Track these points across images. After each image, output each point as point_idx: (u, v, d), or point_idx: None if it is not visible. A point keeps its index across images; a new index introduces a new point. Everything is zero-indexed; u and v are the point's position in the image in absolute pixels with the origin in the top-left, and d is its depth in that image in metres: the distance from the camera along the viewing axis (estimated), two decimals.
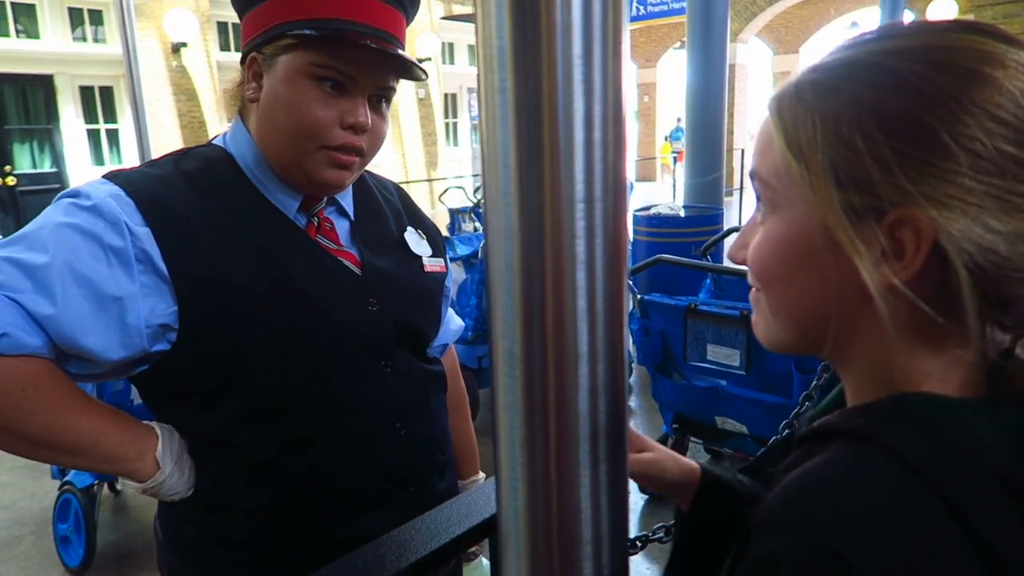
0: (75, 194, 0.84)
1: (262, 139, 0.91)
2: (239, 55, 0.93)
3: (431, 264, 1.05)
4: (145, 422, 0.89)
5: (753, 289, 0.52)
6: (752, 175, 0.50)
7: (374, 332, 0.94)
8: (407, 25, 0.94)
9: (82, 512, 2.45)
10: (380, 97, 0.91)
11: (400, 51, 0.89)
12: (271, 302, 0.86)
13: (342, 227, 0.98)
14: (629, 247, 0.37)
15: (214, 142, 0.96)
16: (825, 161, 0.43)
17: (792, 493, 0.42)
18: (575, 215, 0.33)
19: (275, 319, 0.86)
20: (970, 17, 8.85)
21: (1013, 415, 0.43)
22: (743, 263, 0.51)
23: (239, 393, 0.86)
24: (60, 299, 0.78)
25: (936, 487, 0.39)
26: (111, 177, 0.87)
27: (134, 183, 0.86)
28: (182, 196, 0.87)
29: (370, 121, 0.89)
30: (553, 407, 0.35)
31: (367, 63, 0.87)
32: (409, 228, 1.05)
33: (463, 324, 1.21)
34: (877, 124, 0.42)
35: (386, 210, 1.04)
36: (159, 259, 0.82)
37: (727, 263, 4.29)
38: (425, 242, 1.06)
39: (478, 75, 0.33)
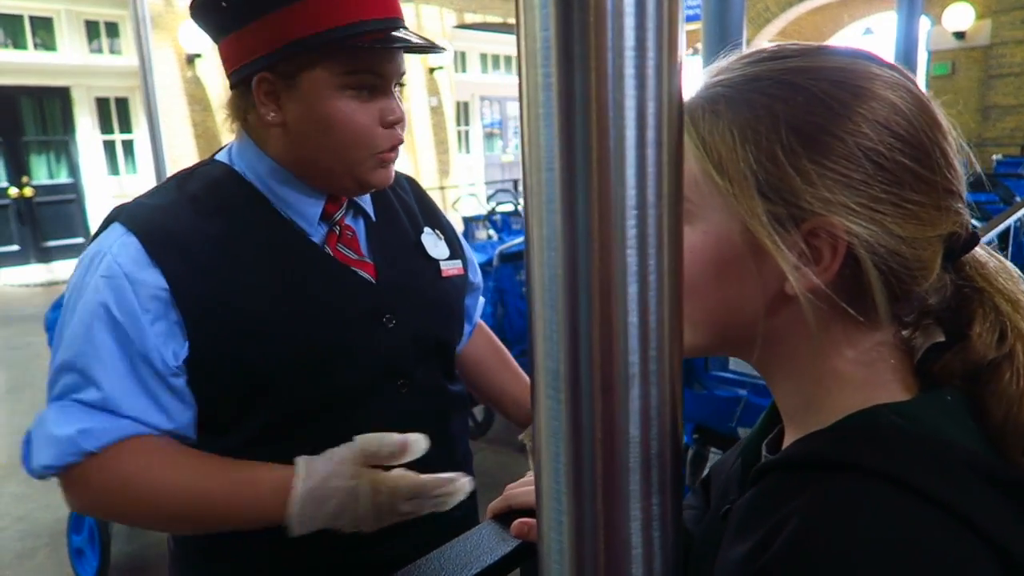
0: (94, 257, 0.83)
1: (295, 159, 0.87)
2: None
3: (448, 268, 1.02)
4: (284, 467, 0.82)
5: None
6: None
7: (390, 351, 0.91)
8: None
9: (96, 524, 2.43)
10: (399, 83, 0.90)
11: (418, 37, 0.87)
12: (286, 323, 0.84)
13: (360, 231, 0.95)
14: None
15: (217, 158, 0.93)
16: (747, 172, 0.46)
17: (801, 540, 0.40)
18: (626, 222, 0.30)
19: (291, 345, 0.84)
20: (986, 23, 8.76)
21: (958, 402, 0.47)
22: None
23: (255, 415, 0.85)
24: (108, 384, 0.79)
25: (941, 503, 0.40)
26: (116, 216, 0.85)
27: (137, 220, 0.83)
28: (189, 224, 0.84)
29: (403, 112, 0.88)
30: (601, 433, 0.32)
31: (390, 57, 0.85)
32: (426, 229, 1.02)
33: (483, 301, 1.20)
34: (795, 137, 0.45)
35: (400, 211, 1.01)
36: (169, 297, 0.81)
37: None
38: (443, 243, 1.03)
39: (519, 71, 0.30)
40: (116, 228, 0.83)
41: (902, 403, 0.47)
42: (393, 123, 0.86)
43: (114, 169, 8.63)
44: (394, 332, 0.91)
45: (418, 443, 0.81)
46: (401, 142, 0.88)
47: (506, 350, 1.20)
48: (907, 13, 7.08)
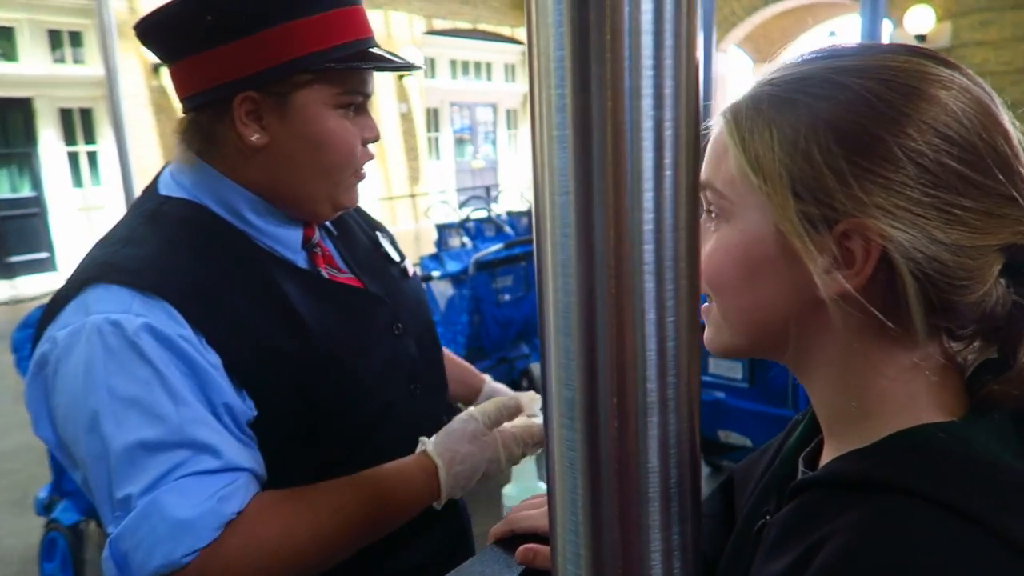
0: (104, 325, 0.71)
1: (274, 184, 0.82)
2: None
3: (408, 267, 1.04)
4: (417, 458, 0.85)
5: (703, 305, 0.53)
6: (703, 185, 0.51)
7: (403, 356, 0.92)
8: None
9: (69, 551, 2.37)
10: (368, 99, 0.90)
11: (393, 56, 0.86)
12: (315, 360, 0.80)
13: (331, 247, 0.94)
14: None
15: (169, 194, 0.84)
16: (782, 171, 0.45)
17: (846, 561, 0.40)
18: (643, 247, 0.29)
19: (325, 375, 0.81)
20: (947, 25, 8.98)
21: (1006, 421, 0.45)
22: None
23: (312, 454, 0.82)
24: (223, 444, 0.72)
25: (991, 528, 0.39)
26: (106, 279, 0.74)
27: (138, 276, 0.74)
28: (188, 271, 0.77)
29: None
30: (619, 464, 0.31)
31: (371, 77, 0.85)
32: (377, 234, 1.03)
33: None
34: (833, 136, 0.43)
35: (351, 222, 1.01)
36: (216, 354, 0.74)
37: None
38: (392, 246, 1.04)
39: (531, 90, 0.29)
40: (119, 290, 0.72)
41: (950, 423, 0.45)
42: (372, 140, 0.86)
43: (78, 181, 8.45)
44: (403, 338, 0.92)
45: (533, 400, 0.91)
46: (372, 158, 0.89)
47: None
48: (870, 16, 7.22)
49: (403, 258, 1.03)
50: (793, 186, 0.44)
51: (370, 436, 0.86)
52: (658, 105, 0.28)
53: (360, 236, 0.99)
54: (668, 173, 0.29)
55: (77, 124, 8.31)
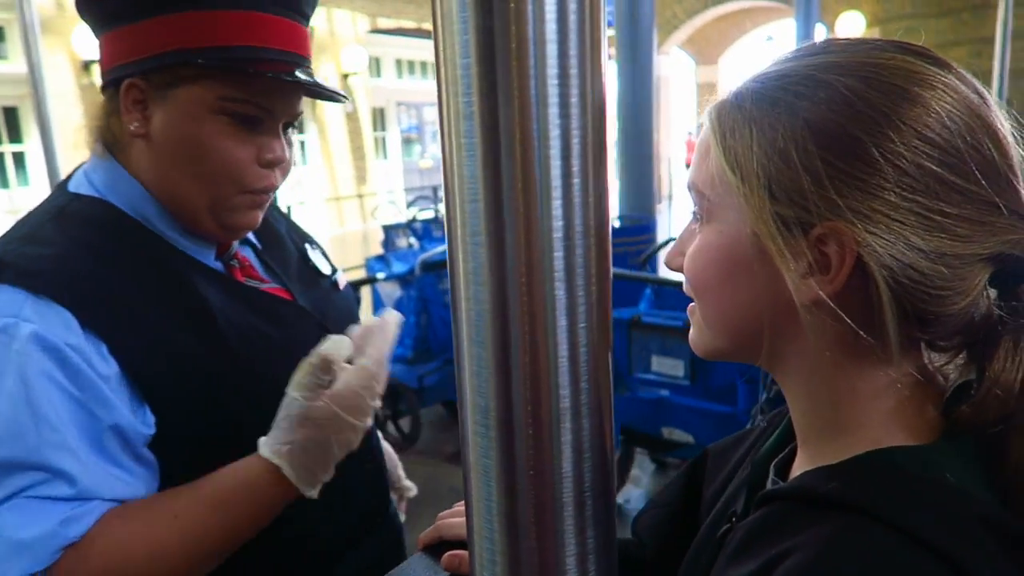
0: (2, 332, 0.68)
1: (159, 184, 0.78)
2: None
3: (340, 279, 1.01)
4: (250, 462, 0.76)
5: (691, 303, 0.52)
6: (690, 187, 0.50)
7: None
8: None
9: None
10: (291, 123, 0.83)
11: (312, 76, 0.81)
12: (235, 368, 0.77)
13: (251, 258, 0.91)
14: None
15: (79, 191, 0.80)
16: (759, 171, 0.43)
17: None
18: (554, 254, 0.29)
19: (246, 382, 0.78)
20: (875, 31, 9.33)
21: (968, 445, 0.44)
22: (679, 269, 0.52)
23: (186, 439, 0.78)
24: (82, 474, 0.68)
25: (946, 556, 0.38)
26: (11, 281, 0.70)
27: (36, 276, 0.70)
28: (94, 274, 0.72)
29: (287, 153, 0.81)
30: (533, 470, 0.31)
31: (282, 94, 0.78)
32: (306, 246, 1.00)
33: None
34: (811, 136, 0.42)
35: (279, 231, 0.97)
36: (115, 364, 0.71)
37: (663, 274, 4.36)
38: (323, 258, 1.01)
39: (439, 98, 0.29)
40: (12, 292, 0.69)
41: (920, 447, 0.44)
42: (271, 163, 0.79)
43: (4, 182, 8.08)
44: None
45: (339, 344, 0.76)
46: (275, 187, 0.81)
47: None
48: (804, 21, 7.43)
49: (335, 271, 1.01)
50: (769, 187, 0.43)
51: None
52: (564, 114, 0.28)
53: (289, 247, 0.97)
54: (576, 181, 0.29)
55: (1, 123, 7.93)
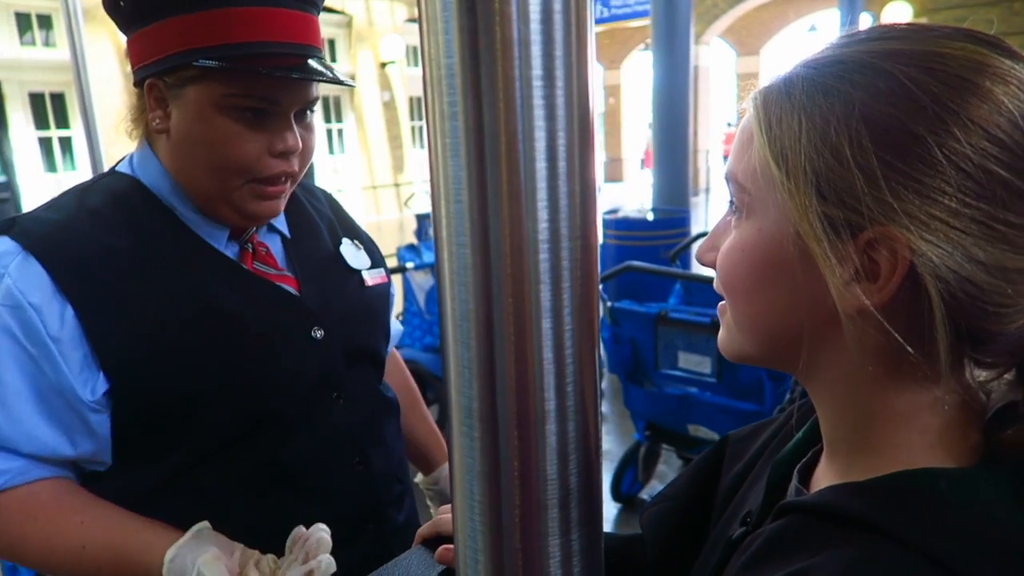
0: None
1: (180, 173, 0.83)
2: None
3: (371, 277, 1.00)
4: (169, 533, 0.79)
5: (720, 303, 0.49)
6: (727, 177, 0.47)
7: (322, 364, 0.89)
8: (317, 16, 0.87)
9: None
10: (306, 109, 0.84)
11: (319, 65, 0.81)
12: (212, 349, 0.80)
13: (276, 247, 0.92)
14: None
15: (118, 169, 0.88)
16: (807, 166, 0.40)
17: None
18: (539, 256, 0.29)
19: (218, 368, 0.80)
20: (923, 19, 9.06)
21: (1005, 477, 0.41)
22: (711, 265, 0.49)
23: (188, 439, 0.81)
24: (9, 424, 0.75)
25: None
26: (7, 230, 0.78)
27: (34, 237, 0.77)
28: (94, 244, 0.78)
29: (300, 142, 0.82)
30: (518, 471, 0.31)
31: (288, 85, 0.80)
32: (344, 240, 1.00)
33: (401, 329, 1.16)
34: (867, 131, 0.38)
35: (318, 223, 0.98)
36: (80, 330, 0.76)
37: (696, 269, 4.31)
38: (363, 252, 1.01)
39: (424, 98, 0.29)
40: (9, 245, 0.76)
41: (958, 470, 0.41)
42: (282, 153, 0.81)
43: (51, 166, 8.31)
44: (324, 345, 0.89)
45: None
46: (291, 173, 0.83)
47: (416, 389, 1.18)
48: (848, 10, 7.23)
49: (375, 266, 1.01)
50: (818, 184, 0.39)
51: (275, 437, 0.84)
52: (550, 115, 0.28)
53: (324, 240, 0.97)
54: (562, 183, 0.29)
55: (48, 109, 8.16)
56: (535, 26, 0.27)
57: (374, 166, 11.37)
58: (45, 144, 8.20)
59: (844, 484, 0.43)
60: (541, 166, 0.28)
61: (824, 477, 0.48)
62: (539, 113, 0.28)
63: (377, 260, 1.03)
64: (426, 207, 7.13)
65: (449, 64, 0.28)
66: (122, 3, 0.79)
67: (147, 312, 0.78)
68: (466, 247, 0.29)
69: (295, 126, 0.82)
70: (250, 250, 0.88)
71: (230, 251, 0.87)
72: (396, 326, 1.15)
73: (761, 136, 0.42)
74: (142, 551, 0.77)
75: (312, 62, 0.80)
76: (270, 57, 0.77)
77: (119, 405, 0.78)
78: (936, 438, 0.42)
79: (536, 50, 0.27)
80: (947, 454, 0.41)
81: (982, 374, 0.42)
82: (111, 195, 0.83)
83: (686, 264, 3.75)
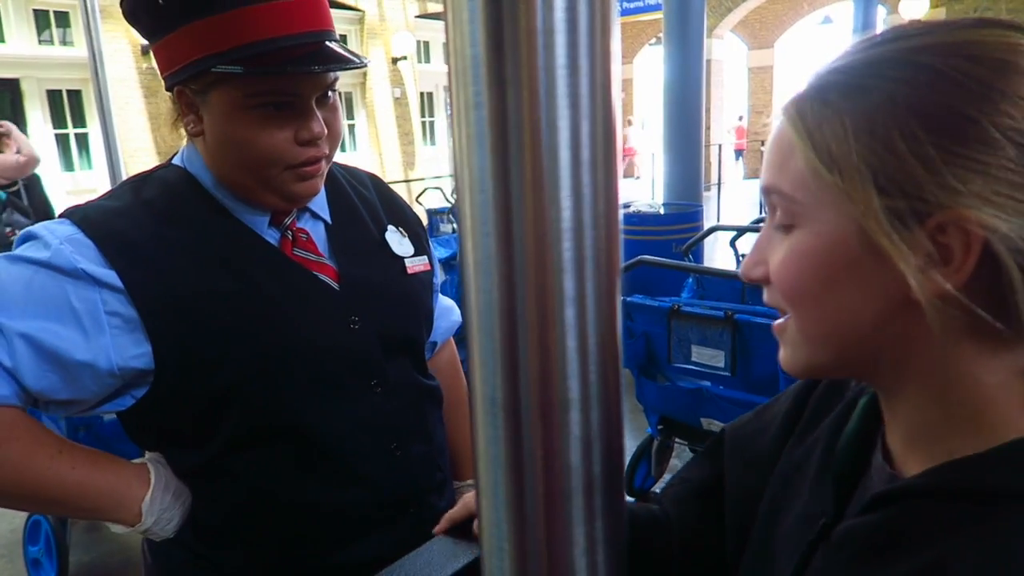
0: (31, 237, 0.81)
1: (219, 171, 0.87)
2: None
3: (414, 265, 1.01)
4: (138, 462, 0.87)
5: (776, 323, 0.48)
6: (767, 190, 0.47)
7: (358, 352, 0.90)
8: None
9: (53, 534, 2.37)
10: (327, 92, 0.86)
11: (336, 46, 0.83)
12: (249, 330, 0.83)
13: (318, 234, 0.94)
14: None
15: (174, 161, 0.92)
16: (862, 165, 0.40)
17: None
18: (562, 245, 0.29)
19: (254, 347, 0.83)
20: (940, 12, 8.96)
21: None
22: (761, 281, 0.48)
23: (227, 424, 0.84)
24: (22, 363, 0.77)
25: None
26: (68, 215, 0.84)
27: (92, 221, 0.82)
28: (145, 229, 0.83)
29: (325, 128, 0.84)
30: (541, 459, 0.31)
31: (305, 75, 0.81)
32: (390, 227, 1.01)
33: (459, 320, 1.16)
34: (917, 121, 0.39)
35: (362, 210, 0.99)
36: (127, 301, 0.79)
37: (708, 262, 4.29)
38: (407, 240, 1.02)
39: (449, 89, 0.29)
40: (69, 227, 0.82)
41: None
42: (308, 141, 0.83)
43: (68, 164, 8.38)
44: (360, 333, 0.90)
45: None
46: (321, 157, 0.85)
47: (462, 387, 1.18)
48: (864, 2, 7.14)
49: (418, 254, 1.02)
50: (876, 180, 0.40)
51: (313, 424, 0.86)
52: (573, 104, 0.28)
53: (368, 227, 0.98)
54: (585, 171, 0.29)
55: (66, 106, 8.23)
56: (559, 15, 0.27)
57: (385, 162, 11.39)
58: (63, 141, 8.28)
59: (954, 461, 0.42)
60: (564, 155, 0.28)
61: (913, 462, 0.46)
62: (563, 103, 0.28)
63: (421, 248, 1.03)
64: (438, 203, 7.15)
65: (474, 55, 0.28)
66: (145, 14, 0.82)
67: (191, 291, 0.81)
68: (490, 236, 0.29)
69: (318, 111, 0.84)
70: (290, 237, 0.90)
71: (271, 238, 0.89)
72: (452, 316, 1.15)
73: (805, 144, 0.43)
74: (124, 489, 0.83)
75: (330, 44, 0.82)
76: (285, 50, 0.78)
77: (161, 380, 0.81)
78: None
79: (560, 39, 0.27)
80: None
81: None
82: (165, 187, 0.87)
83: (698, 258, 3.73)
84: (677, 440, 2.70)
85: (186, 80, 0.81)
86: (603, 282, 0.30)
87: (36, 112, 7.94)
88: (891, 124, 0.40)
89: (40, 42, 7.90)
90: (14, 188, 4.22)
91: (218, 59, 0.77)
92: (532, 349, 0.30)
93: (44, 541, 2.41)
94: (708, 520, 0.62)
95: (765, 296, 0.49)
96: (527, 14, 0.27)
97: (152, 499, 0.82)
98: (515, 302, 0.30)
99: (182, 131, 0.89)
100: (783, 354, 0.49)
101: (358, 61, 0.84)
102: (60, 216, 0.85)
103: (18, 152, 3.78)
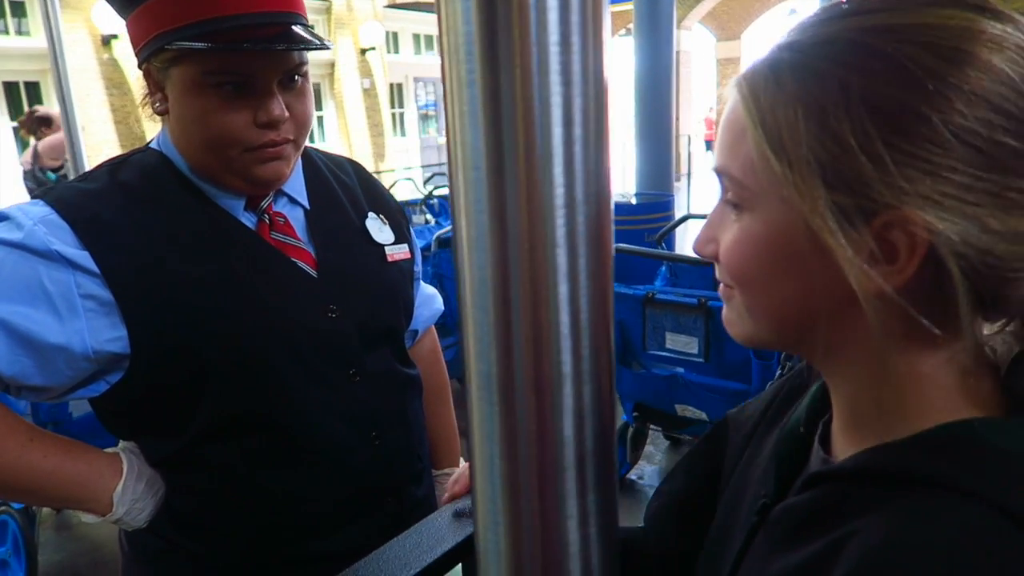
0: (3, 218, 0.78)
1: (184, 150, 0.86)
2: None
3: (394, 252, 1.00)
4: (111, 451, 0.85)
5: (723, 285, 0.49)
6: (719, 172, 0.46)
7: (336, 340, 0.89)
8: None
9: (20, 534, 2.32)
10: (293, 76, 0.84)
11: (304, 32, 0.82)
12: (226, 315, 0.82)
13: (297, 218, 0.92)
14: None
15: (151, 145, 0.90)
16: (811, 157, 0.39)
17: (884, 560, 0.37)
18: (555, 222, 0.29)
19: (230, 332, 0.82)
20: None
21: None
22: (711, 258, 0.48)
23: (203, 411, 0.82)
24: None
25: None
26: (42, 196, 0.81)
27: (67, 202, 0.80)
28: (121, 211, 0.81)
29: (285, 111, 0.82)
30: (535, 434, 0.32)
31: (263, 56, 0.80)
32: (370, 214, 1.00)
33: (441, 308, 1.16)
34: (868, 115, 0.38)
35: (342, 196, 0.98)
36: (102, 284, 0.77)
37: (680, 251, 4.33)
38: (388, 228, 1.01)
39: (442, 67, 0.30)
40: (43, 207, 0.79)
41: (997, 419, 0.41)
42: (267, 124, 0.81)
43: None
44: (338, 321, 0.90)
45: None
46: (281, 142, 0.83)
47: (443, 374, 1.18)
48: None
49: (398, 242, 1.01)
50: (824, 174, 0.39)
51: (290, 412, 0.86)
52: (566, 81, 0.28)
53: (348, 213, 0.97)
54: (578, 148, 0.29)
55: (23, 98, 8.00)
56: None
57: (355, 154, 11.29)
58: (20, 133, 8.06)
59: (881, 445, 0.43)
60: (557, 132, 0.29)
61: (848, 445, 0.47)
62: (555, 79, 0.28)
63: (401, 235, 1.02)
64: (409, 195, 7.10)
65: (467, 32, 0.28)
66: None
67: (169, 276, 0.80)
68: (484, 213, 0.30)
69: (280, 95, 0.82)
70: (267, 221, 0.89)
71: (248, 221, 0.88)
72: (434, 305, 1.14)
73: (755, 130, 0.41)
74: (96, 478, 0.82)
75: (298, 29, 0.81)
76: (248, 29, 0.77)
77: (136, 365, 0.79)
78: (962, 392, 0.42)
79: (553, 16, 0.27)
80: (976, 406, 0.41)
81: (987, 328, 0.43)
82: (141, 170, 0.86)
83: (671, 247, 3.77)
84: (652, 426, 2.73)
85: (149, 57, 0.80)
86: (596, 258, 0.31)
87: None
88: (842, 115, 0.38)
89: None
90: (62, 170, 4.16)
91: (177, 34, 0.76)
92: (526, 325, 0.30)
93: (12, 541, 2.36)
94: (686, 536, 0.61)
95: (716, 271, 0.49)
96: None
97: (124, 489, 0.81)
98: (509, 278, 0.30)
99: (152, 117, 0.88)
100: (728, 318, 0.49)
101: (320, 43, 0.83)
102: (34, 197, 0.83)
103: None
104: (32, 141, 4.39)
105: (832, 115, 0.38)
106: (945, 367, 0.42)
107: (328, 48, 0.85)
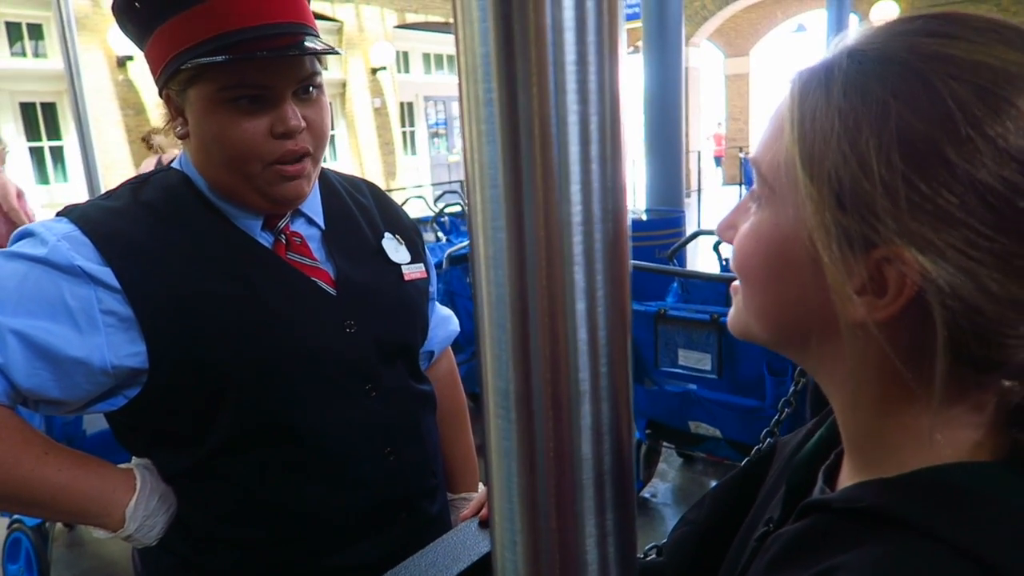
0: (28, 234, 0.81)
1: (206, 172, 0.87)
2: None
3: (410, 272, 1.01)
4: (125, 466, 0.86)
5: (735, 282, 0.50)
6: (753, 160, 0.46)
7: (354, 356, 0.90)
8: None
9: (34, 551, 2.33)
10: (307, 87, 0.85)
11: (314, 43, 0.83)
12: (245, 332, 0.83)
13: (313, 238, 0.94)
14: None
15: (174, 165, 0.92)
16: (832, 172, 0.39)
17: None
18: (573, 239, 0.30)
19: (250, 349, 0.83)
20: None
21: None
22: (729, 241, 0.49)
23: (219, 425, 0.83)
24: (13, 360, 0.76)
25: None
26: (66, 213, 0.84)
27: (90, 219, 0.82)
28: (143, 229, 0.83)
29: (302, 121, 0.83)
30: (553, 451, 0.32)
31: (275, 66, 0.81)
32: (387, 234, 1.01)
33: (457, 330, 1.17)
34: (898, 145, 0.37)
35: (359, 217, 0.99)
36: (123, 300, 0.79)
37: (691, 267, 4.32)
38: (404, 248, 1.02)
39: (460, 87, 0.30)
40: (67, 225, 0.82)
41: (986, 464, 0.40)
42: (284, 134, 0.82)
43: (43, 178, 8.27)
44: (356, 338, 0.90)
45: None
46: (300, 152, 0.84)
47: (460, 398, 1.18)
48: (836, 11, 7.26)
49: (415, 261, 1.02)
50: (839, 194, 0.38)
51: (306, 427, 0.86)
52: (582, 100, 0.28)
53: (365, 233, 0.98)
54: (594, 166, 0.29)
55: (40, 119, 8.12)
56: (568, 12, 0.28)
57: (366, 172, 11.36)
58: (37, 155, 8.17)
59: (869, 481, 0.42)
60: (574, 150, 0.29)
61: (847, 477, 0.47)
62: (572, 98, 0.28)
63: (417, 255, 1.04)
64: (420, 212, 7.14)
65: (484, 52, 0.28)
66: (126, 22, 0.84)
67: (189, 293, 0.81)
68: (502, 231, 0.30)
69: (295, 106, 0.83)
70: (283, 241, 0.90)
71: (265, 241, 0.90)
72: (449, 326, 1.15)
73: (792, 130, 0.41)
74: (109, 493, 0.82)
75: (308, 41, 0.82)
76: (261, 40, 0.79)
77: (154, 380, 0.80)
78: (954, 433, 0.41)
79: (569, 36, 0.28)
80: (968, 449, 0.41)
81: (1006, 382, 0.41)
82: (163, 190, 0.88)
83: (682, 263, 3.77)
84: (665, 444, 2.71)
85: (167, 81, 0.82)
86: (613, 275, 0.31)
87: (9, 125, 7.83)
88: (875, 142, 0.37)
89: (12, 55, 7.80)
90: None
91: (193, 52, 0.78)
92: (544, 342, 0.30)
93: (25, 559, 2.37)
94: (704, 565, 0.60)
95: (731, 260, 0.49)
96: (537, 11, 0.27)
97: (136, 505, 0.82)
98: (527, 295, 0.30)
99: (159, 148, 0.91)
100: (731, 313, 0.50)
101: (331, 49, 0.85)
102: (58, 214, 0.85)
103: None
104: None
105: (865, 136, 0.38)
106: (924, 409, 0.41)
107: (339, 54, 0.87)
